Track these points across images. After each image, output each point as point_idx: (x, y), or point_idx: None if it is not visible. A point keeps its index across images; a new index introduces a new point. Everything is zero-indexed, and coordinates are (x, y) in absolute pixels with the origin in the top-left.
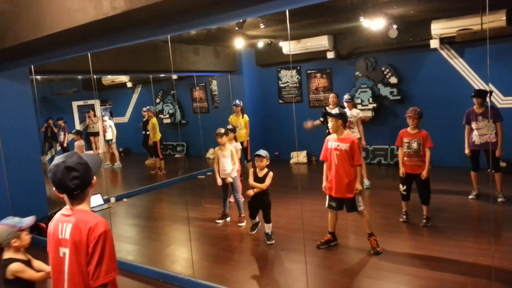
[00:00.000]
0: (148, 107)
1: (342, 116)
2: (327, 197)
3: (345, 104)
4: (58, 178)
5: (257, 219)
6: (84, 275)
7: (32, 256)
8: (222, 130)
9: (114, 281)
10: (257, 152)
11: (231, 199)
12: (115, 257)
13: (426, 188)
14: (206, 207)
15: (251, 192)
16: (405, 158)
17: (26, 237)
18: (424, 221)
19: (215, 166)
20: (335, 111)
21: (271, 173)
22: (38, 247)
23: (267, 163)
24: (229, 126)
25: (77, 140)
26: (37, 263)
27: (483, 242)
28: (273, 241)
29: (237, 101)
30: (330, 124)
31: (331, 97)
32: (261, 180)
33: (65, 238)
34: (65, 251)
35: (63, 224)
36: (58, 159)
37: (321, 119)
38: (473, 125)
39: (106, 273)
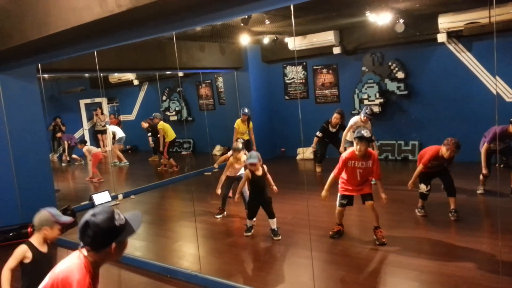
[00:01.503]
0: (153, 114)
1: (372, 140)
2: (339, 196)
3: (362, 117)
4: (79, 228)
5: (254, 220)
6: None
7: None
8: (240, 146)
9: None
10: (250, 161)
11: (231, 195)
12: None
13: (451, 178)
14: (213, 204)
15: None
16: (429, 169)
17: (56, 231)
18: (455, 214)
19: (222, 176)
20: (367, 133)
21: (265, 166)
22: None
23: (260, 164)
24: (240, 146)
25: (81, 148)
26: None
27: (492, 237)
28: (279, 237)
29: (246, 110)
30: (358, 147)
31: (336, 118)
32: (261, 178)
33: (55, 271)
34: (46, 279)
35: (66, 259)
36: (92, 210)
37: (319, 134)
38: (493, 145)
39: None
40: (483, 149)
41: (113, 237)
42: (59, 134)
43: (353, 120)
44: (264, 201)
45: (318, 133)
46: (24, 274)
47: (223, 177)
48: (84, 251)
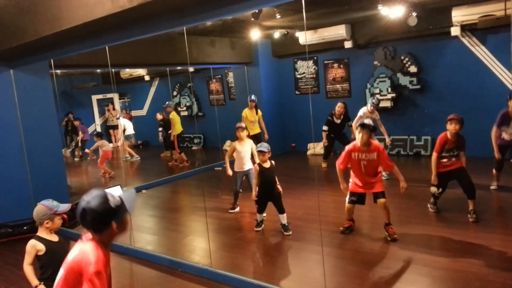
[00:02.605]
0: (166, 102)
1: (375, 129)
2: (349, 193)
3: (369, 107)
4: (78, 216)
5: (264, 215)
6: None
7: None
8: (243, 124)
9: None
10: (260, 149)
11: (241, 190)
12: None
13: (469, 179)
14: (223, 198)
15: (254, 194)
16: (444, 160)
17: (58, 221)
18: (474, 215)
19: (226, 158)
20: (369, 121)
21: (272, 162)
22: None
23: (269, 156)
24: (242, 125)
25: (97, 141)
26: None
27: (506, 233)
28: (290, 232)
29: (253, 97)
30: (360, 135)
31: (339, 107)
32: (269, 170)
33: (67, 260)
34: (61, 271)
35: (76, 246)
36: (85, 197)
37: (325, 128)
38: (503, 132)
39: None
40: (492, 133)
41: (111, 217)
42: (77, 122)
43: (362, 110)
44: (273, 196)
45: (324, 127)
46: (44, 265)
47: (226, 158)
48: (89, 235)
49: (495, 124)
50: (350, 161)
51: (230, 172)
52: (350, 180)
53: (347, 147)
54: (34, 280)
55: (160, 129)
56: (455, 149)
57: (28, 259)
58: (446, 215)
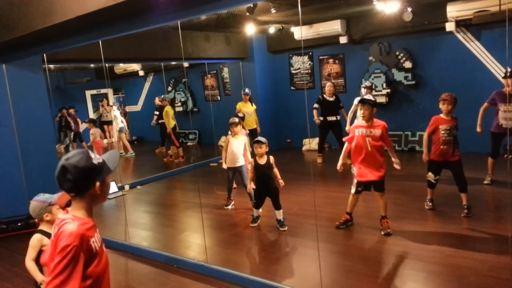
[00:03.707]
0: (162, 96)
1: (376, 103)
2: (355, 183)
3: (363, 91)
4: (55, 175)
5: (260, 211)
6: None
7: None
8: (237, 120)
9: None
10: (257, 139)
11: (235, 186)
12: (73, 274)
13: (462, 173)
14: (219, 194)
15: (252, 187)
16: (442, 146)
17: (57, 211)
18: (465, 211)
19: (223, 153)
20: (369, 97)
21: (272, 157)
22: None
23: (266, 150)
24: (240, 114)
25: (90, 128)
26: None
27: (499, 228)
28: (285, 228)
29: (247, 90)
30: (362, 112)
31: (329, 85)
32: (263, 167)
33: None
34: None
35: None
36: (66, 155)
37: (316, 105)
38: (501, 107)
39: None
40: (481, 108)
41: (95, 175)
42: (72, 110)
43: (357, 99)
44: (270, 192)
45: (315, 105)
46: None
47: (224, 153)
48: (70, 207)
49: (487, 100)
50: (357, 140)
51: (225, 165)
52: (355, 169)
53: (353, 124)
54: (39, 276)
55: (157, 112)
56: (452, 128)
57: (32, 253)
58: (441, 211)
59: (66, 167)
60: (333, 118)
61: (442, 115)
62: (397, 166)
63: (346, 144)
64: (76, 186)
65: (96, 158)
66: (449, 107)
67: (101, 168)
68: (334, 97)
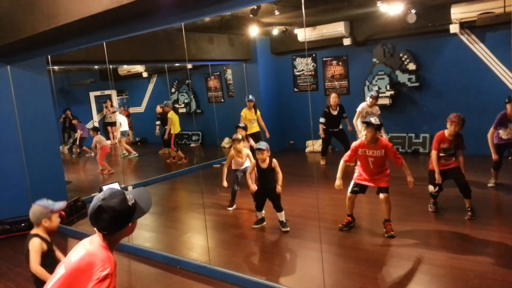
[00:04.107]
0: (165, 102)
1: (381, 127)
2: (352, 183)
3: (368, 100)
4: (90, 214)
5: (263, 212)
6: None
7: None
8: (240, 136)
9: None
10: (258, 146)
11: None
12: None
13: (464, 180)
14: (221, 196)
15: (254, 187)
16: (442, 161)
17: (56, 220)
18: (469, 213)
19: (224, 169)
20: (375, 120)
21: (275, 160)
22: (57, 233)
23: (268, 154)
24: (241, 124)
25: (94, 136)
26: (58, 254)
27: (504, 231)
28: (288, 228)
29: (251, 97)
30: (365, 133)
31: (334, 97)
32: (266, 171)
33: (70, 260)
34: (60, 271)
35: (79, 246)
36: (101, 195)
37: (322, 120)
38: (501, 131)
39: None
40: (489, 134)
41: (129, 217)
42: (74, 121)
43: (361, 106)
44: (271, 195)
45: (321, 119)
46: (44, 266)
47: (225, 169)
48: (96, 236)
49: (492, 125)
50: (358, 157)
51: (225, 183)
52: (356, 170)
53: (354, 144)
54: None
55: (158, 122)
56: (452, 148)
57: (37, 258)
58: (445, 213)
59: (103, 207)
60: (336, 129)
61: (446, 134)
62: (410, 185)
63: (342, 162)
64: (110, 227)
65: (130, 199)
66: (456, 128)
67: (134, 210)
68: (338, 108)
